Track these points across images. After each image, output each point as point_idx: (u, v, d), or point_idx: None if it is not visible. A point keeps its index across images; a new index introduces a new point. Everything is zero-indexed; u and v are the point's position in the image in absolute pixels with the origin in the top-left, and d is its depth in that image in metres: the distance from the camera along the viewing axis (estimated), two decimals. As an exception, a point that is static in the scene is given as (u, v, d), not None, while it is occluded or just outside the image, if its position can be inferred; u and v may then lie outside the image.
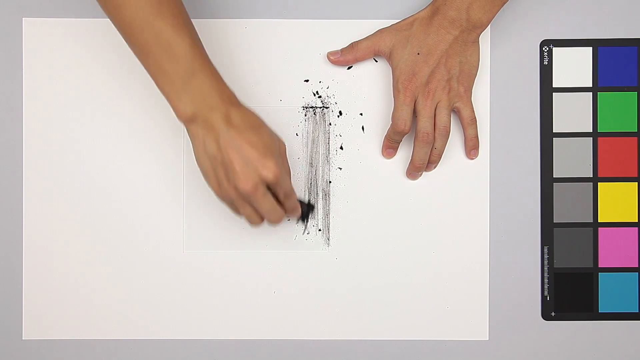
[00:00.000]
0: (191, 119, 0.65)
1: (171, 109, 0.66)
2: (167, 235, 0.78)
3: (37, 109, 0.77)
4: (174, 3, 0.65)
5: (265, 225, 0.72)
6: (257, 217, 0.68)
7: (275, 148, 0.66)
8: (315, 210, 0.77)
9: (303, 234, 0.78)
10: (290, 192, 0.69)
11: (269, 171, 0.64)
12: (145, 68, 0.66)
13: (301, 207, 0.74)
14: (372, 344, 0.78)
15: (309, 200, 0.77)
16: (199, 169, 0.67)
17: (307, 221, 0.77)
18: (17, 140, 0.77)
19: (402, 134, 0.75)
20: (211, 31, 0.77)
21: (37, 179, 0.77)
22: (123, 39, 0.66)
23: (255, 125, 0.65)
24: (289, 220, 0.77)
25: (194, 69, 0.64)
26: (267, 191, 0.66)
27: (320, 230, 0.78)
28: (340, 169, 0.78)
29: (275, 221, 0.68)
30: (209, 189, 0.68)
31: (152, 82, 0.66)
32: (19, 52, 0.77)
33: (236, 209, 0.69)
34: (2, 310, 0.78)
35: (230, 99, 0.65)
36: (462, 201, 0.78)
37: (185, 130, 0.77)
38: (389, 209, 0.78)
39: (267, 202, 0.66)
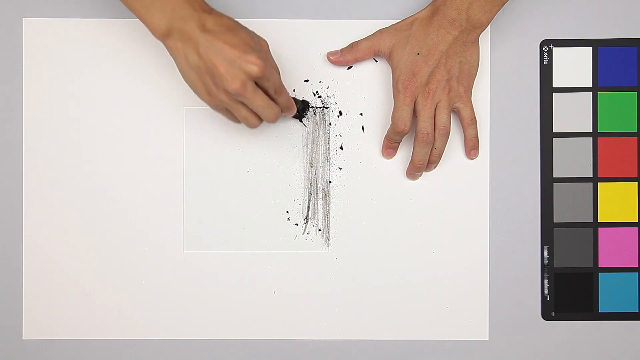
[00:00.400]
0: (166, 33, 0.65)
1: (146, 27, 0.65)
2: (167, 235, 0.78)
3: (37, 109, 0.77)
4: None
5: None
6: (253, 117, 0.68)
7: (255, 44, 0.66)
8: (307, 110, 0.77)
9: (303, 234, 0.78)
10: (281, 87, 0.68)
11: (252, 65, 0.64)
12: None
13: (296, 104, 0.73)
14: (372, 344, 0.78)
15: (303, 98, 0.77)
16: (185, 82, 0.67)
17: (304, 116, 0.77)
18: (17, 140, 0.77)
19: (402, 134, 0.75)
20: (211, 31, 0.77)
21: (37, 179, 0.77)
22: None
23: (231, 27, 0.65)
24: (306, 224, 0.77)
25: None
26: (257, 88, 0.66)
27: (320, 230, 0.78)
28: (340, 169, 0.78)
29: (271, 118, 0.68)
30: (201, 99, 0.68)
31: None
32: (19, 52, 0.77)
33: (232, 116, 0.69)
34: (2, 310, 0.78)
35: (202, 7, 0.65)
36: (462, 201, 0.78)
37: (184, 130, 0.78)
38: (389, 209, 0.78)
39: (258, 98, 0.66)
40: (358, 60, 0.77)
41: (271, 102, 0.67)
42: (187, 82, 0.67)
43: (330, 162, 0.78)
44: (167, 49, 0.66)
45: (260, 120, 0.69)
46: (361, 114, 0.78)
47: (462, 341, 0.78)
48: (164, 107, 0.77)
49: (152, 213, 0.77)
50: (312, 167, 0.78)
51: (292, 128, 0.77)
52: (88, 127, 0.77)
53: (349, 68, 0.78)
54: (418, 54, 0.73)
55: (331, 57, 0.77)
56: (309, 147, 0.78)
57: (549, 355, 0.78)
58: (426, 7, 0.74)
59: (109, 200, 0.77)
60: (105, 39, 0.77)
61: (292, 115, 0.73)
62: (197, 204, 0.78)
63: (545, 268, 0.78)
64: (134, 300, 0.78)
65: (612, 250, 0.78)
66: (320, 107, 0.78)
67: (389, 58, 0.75)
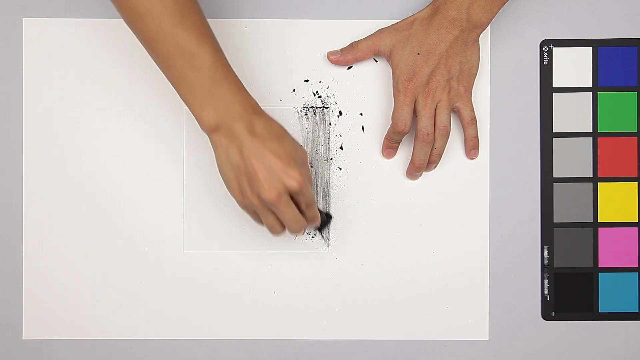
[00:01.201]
0: (214, 128, 0.65)
1: (195, 119, 0.66)
2: (167, 235, 0.78)
3: (37, 109, 0.77)
4: (195, 14, 0.65)
5: (286, 234, 0.71)
6: (279, 226, 0.68)
7: (298, 157, 0.66)
8: (333, 220, 0.77)
9: (303, 234, 0.78)
10: (312, 201, 0.68)
11: (293, 180, 0.64)
12: (168, 78, 0.66)
13: (320, 217, 0.73)
14: (372, 344, 0.78)
15: (327, 211, 0.77)
16: (221, 178, 0.67)
17: (325, 231, 0.77)
18: (17, 140, 0.77)
19: (402, 134, 0.75)
20: (211, 31, 0.77)
21: (37, 179, 0.77)
22: (145, 50, 0.66)
23: (278, 135, 0.65)
24: (308, 233, 0.77)
25: (217, 79, 0.64)
26: (290, 200, 0.66)
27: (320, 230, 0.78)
28: (340, 169, 0.78)
29: (297, 231, 0.68)
30: (232, 197, 0.68)
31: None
32: (19, 52, 0.77)
33: (258, 218, 0.69)
34: (2, 310, 0.78)
35: (253, 108, 0.66)
36: (462, 201, 0.78)
37: (184, 130, 0.78)
38: (389, 209, 0.78)
39: (290, 212, 0.66)
40: (358, 60, 0.77)
41: (300, 216, 0.67)
42: (222, 177, 0.67)
43: (330, 162, 0.78)
44: (210, 141, 0.66)
45: (284, 229, 0.68)
46: (361, 114, 0.78)
47: (462, 341, 0.78)
48: (164, 107, 0.77)
49: (152, 213, 0.77)
50: (312, 167, 0.78)
51: (292, 128, 0.77)
52: (88, 127, 0.77)
53: (349, 68, 0.78)
54: (418, 53, 0.73)
55: (331, 57, 0.77)
56: (309, 147, 0.78)
57: (549, 355, 0.78)
58: (426, 6, 0.74)
59: (109, 200, 0.77)
60: (105, 39, 0.77)
61: (315, 227, 0.74)
62: (197, 204, 0.78)
63: (545, 268, 0.78)
64: (134, 300, 0.78)
65: (612, 250, 0.78)
66: (320, 107, 0.78)
67: (389, 58, 0.75)
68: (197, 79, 0.64)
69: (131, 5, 0.63)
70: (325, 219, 0.76)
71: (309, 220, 0.70)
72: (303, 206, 0.68)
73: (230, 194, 0.67)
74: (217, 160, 0.66)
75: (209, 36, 0.65)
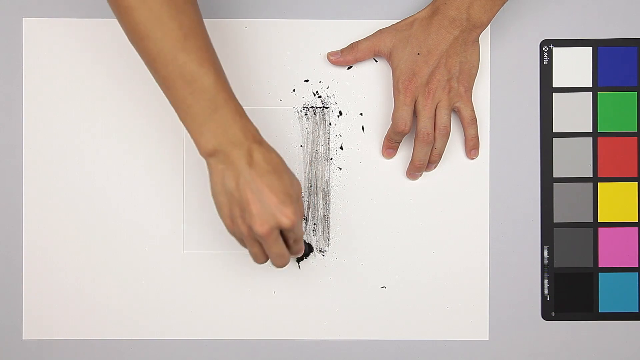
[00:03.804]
0: (212, 153, 0.64)
1: (193, 142, 0.65)
2: (167, 235, 0.78)
3: (37, 109, 0.77)
4: (200, 36, 0.63)
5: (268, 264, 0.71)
6: (263, 257, 0.68)
7: (294, 192, 0.65)
8: (314, 250, 0.78)
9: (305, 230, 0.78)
10: (301, 237, 0.68)
11: (286, 219, 0.64)
12: (169, 100, 0.65)
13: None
14: (372, 344, 0.78)
15: (309, 242, 0.77)
16: (212, 199, 0.66)
17: (303, 261, 0.77)
18: (17, 140, 0.77)
19: (403, 134, 0.75)
20: (211, 31, 0.76)
21: (37, 179, 0.77)
22: (148, 70, 0.65)
23: (276, 167, 0.64)
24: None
25: (217, 104, 0.63)
26: (280, 236, 0.66)
27: (320, 230, 0.78)
28: (340, 169, 0.78)
29: (280, 265, 0.68)
30: (220, 218, 0.67)
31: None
32: (19, 52, 0.77)
33: (244, 244, 0.68)
34: (2, 310, 0.78)
35: (253, 136, 0.64)
36: (462, 201, 0.78)
37: (184, 130, 0.77)
38: (389, 209, 0.78)
39: (277, 247, 0.66)
40: (358, 60, 0.77)
41: (286, 252, 0.67)
42: (214, 200, 0.66)
43: (330, 162, 0.78)
44: (206, 164, 0.65)
45: (267, 259, 0.68)
46: (361, 114, 0.78)
47: (462, 341, 0.78)
48: (164, 107, 0.77)
49: (152, 213, 0.77)
50: (312, 167, 0.78)
51: (292, 128, 0.77)
52: (88, 127, 0.77)
53: (349, 68, 0.78)
54: (418, 54, 0.73)
55: (331, 57, 0.77)
56: (309, 147, 0.78)
57: (549, 355, 0.78)
58: (426, 7, 0.74)
59: (109, 200, 0.77)
60: (105, 39, 0.77)
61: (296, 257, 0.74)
62: (197, 204, 0.78)
63: (545, 268, 0.78)
64: (134, 300, 0.78)
65: (612, 250, 0.78)
66: (320, 107, 0.78)
67: (389, 58, 0.75)
68: (197, 103, 0.63)
69: (134, 26, 0.62)
70: (307, 250, 0.76)
71: (293, 253, 0.69)
72: (291, 241, 0.68)
73: (220, 217, 0.66)
74: (211, 183, 0.65)
75: (212, 60, 0.64)
